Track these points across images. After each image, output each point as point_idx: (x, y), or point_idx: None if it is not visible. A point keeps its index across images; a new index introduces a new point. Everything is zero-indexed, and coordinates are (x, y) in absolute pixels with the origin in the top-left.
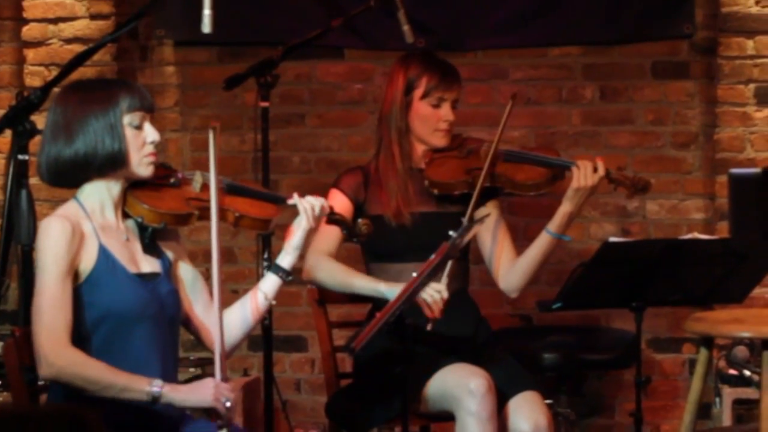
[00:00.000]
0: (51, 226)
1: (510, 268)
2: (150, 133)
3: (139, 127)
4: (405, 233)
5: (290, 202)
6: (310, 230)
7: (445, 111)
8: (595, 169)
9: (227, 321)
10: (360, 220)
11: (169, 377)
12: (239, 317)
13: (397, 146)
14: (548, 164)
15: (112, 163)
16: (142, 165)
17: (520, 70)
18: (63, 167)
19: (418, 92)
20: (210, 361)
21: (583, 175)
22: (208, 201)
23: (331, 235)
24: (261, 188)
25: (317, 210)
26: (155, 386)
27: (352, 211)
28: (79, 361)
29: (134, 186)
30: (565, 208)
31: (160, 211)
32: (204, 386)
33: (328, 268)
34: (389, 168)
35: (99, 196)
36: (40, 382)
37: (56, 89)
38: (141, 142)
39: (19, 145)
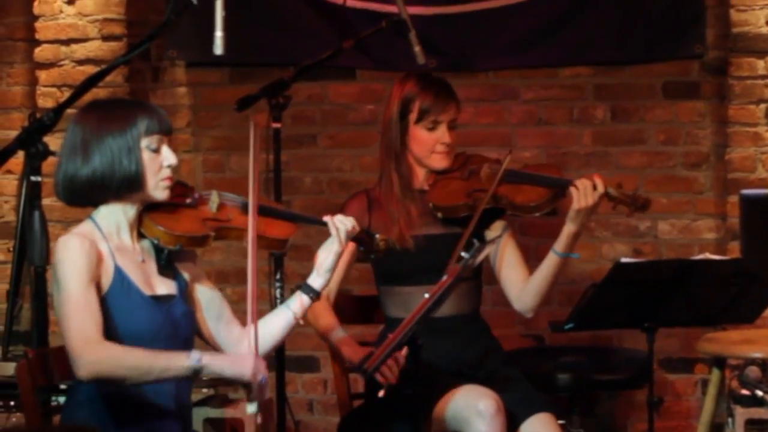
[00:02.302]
0: (70, 242)
1: (523, 288)
2: (167, 156)
3: (156, 151)
4: (410, 256)
5: (324, 220)
6: (342, 250)
7: (441, 134)
8: (594, 187)
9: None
10: (377, 236)
11: (183, 398)
12: (265, 333)
13: (395, 172)
14: (547, 184)
15: (128, 186)
16: (158, 189)
17: (531, 91)
18: (79, 186)
19: (413, 116)
20: (224, 381)
21: (583, 195)
22: (224, 221)
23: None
24: (282, 207)
25: (349, 228)
26: (194, 359)
27: None
28: (115, 352)
29: (150, 207)
30: (568, 228)
31: (176, 234)
32: (244, 359)
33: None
34: (389, 193)
35: (115, 218)
36: (53, 403)
37: (72, 110)
38: (158, 165)
39: (32, 166)
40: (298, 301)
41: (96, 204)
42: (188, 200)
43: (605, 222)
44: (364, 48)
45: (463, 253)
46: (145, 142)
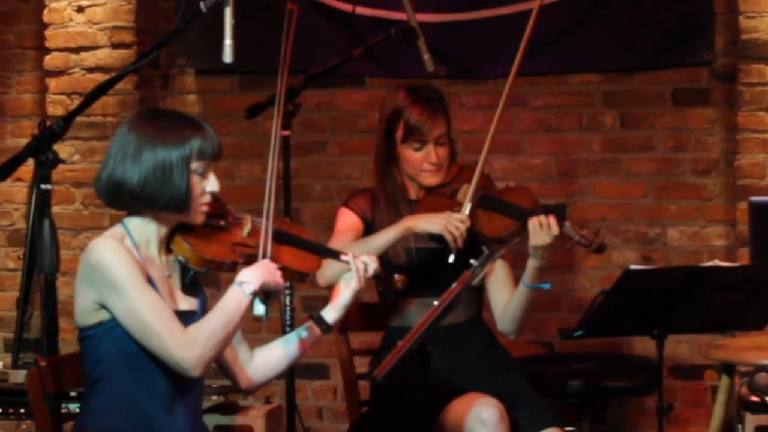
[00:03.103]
0: (109, 244)
1: (502, 312)
2: (212, 182)
3: (203, 175)
4: (404, 270)
5: (344, 258)
6: (360, 289)
7: (427, 153)
8: (549, 227)
9: (261, 359)
10: (396, 276)
11: (193, 407)
12: (273, 357)
13: (381, 188)
14: (513, 215)
15: (174, 207)
16: (196, 212)
17: (540, 98)
18: (126, 193)
19: (399, 135)
20: (234, 389)
21: (535, 233)
22: (254, 247)
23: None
24: (309, 238)
25: (371, 270)
26: (247, 290)
27: (362, 229)
28: (202, 333)
29: (183, 225)
30: (531, 263)
31: (206, 258)
32: (271, 266)
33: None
34: (377, 205)
35: (147, 230)
36: (63, 410)
37: (82, 117)
38: (201, 190)
39: (42, 174)
40: (310, 332)
41: (130, 211)
42: (222, 222)
43: (615, 229)
44: (373, 55)
45: (472, 261)
46: (194, 165)
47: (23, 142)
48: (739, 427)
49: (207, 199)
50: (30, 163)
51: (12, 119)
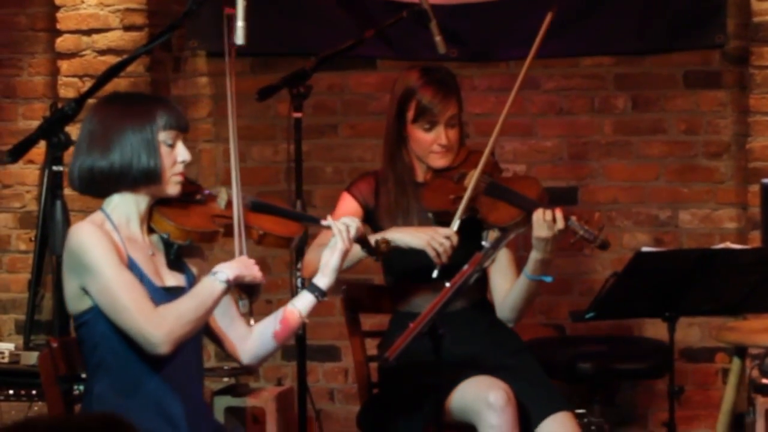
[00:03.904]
0: (85, 228)
1: (503, 300)
2: (181, 152)
3: (171, 146)
4: (407, 252)
5: (324, 223)
6: (347, 251)
7: (437, 134)
8: (554, 221)
9: (260, 332)
10: (379, 239)
11: (194, 385)
12: (270, 330)
13: (390, 168)
14: (519, 205)
15: (146, 179)
16: (170, 183)
17: (552, 80)
18: (97, 177)
19: (410, 115)
20: (242, 371)
21: (539, 225)
22: (232, 218)
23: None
24: (287, 207)
25: (352, 231)
26: (221, 279)
27: (361, 216)
28: (173, 312)
29: (161, 202)
30: (534, 255)
31: (186, 229)
32: (249, 261)
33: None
34: (385, 186)
35: (126, 209)
36: (75, 392)
37: (91, 100)
38: (172, 160)
39: (54, 156)
40: (304, 300)
41: (109, 195)
42: (198, 197)
43: (626, 211)
44: (385, 38)
45: (484, 243)
46: (162, 137)
47: (34, 124)
48: (751, 409)
49: (179, 168)
50: (41, 146)
51: (23, 101)
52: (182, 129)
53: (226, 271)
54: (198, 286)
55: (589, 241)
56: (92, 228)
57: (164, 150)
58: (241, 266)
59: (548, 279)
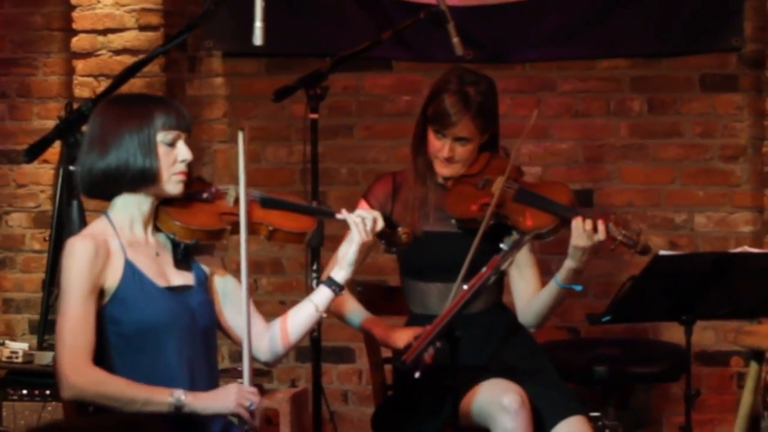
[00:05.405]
0: (74, 246)
1: (527, 304)
2: (182, 151)
3: (171, 145)
4: (424, 252)
5: (339, 216)
6: (364, 244)
7: (442, 145)
8: (595, 230)
9: (277, 328)
10: (400, 229)
11: (201, 386)
12: (289, 326)
13: (414, 163)
14: (554, 211)
15: (142, 179)
16: (171, 182)
17: (568, 83)
18: (96, 179)
19: (429, 113)
20: (259, 372)
21: (578, 234)
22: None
23: None
24: (299, 201)
25: (369, 223)
26: (177, 397)
27: None
28: (99, 379)
29: (167, 202)
30: (568, 263)
31: (192, 228)
32: (226, 392)
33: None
34: (407, 181)
35: (128, 211)
36: None
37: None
38: (172, 159)
39: (70, 156)
40: (322, 294)
41: (112, 197)
42: (205, 195)
43: (641, 214)
44: (401, 39)
45: (502, 245)
46: (161, 136)
47: (50, 123)
48: (766, 414)
49: (180, 168)
50: (55, 145)
51: (39, 101)
52: (183, 128)
53: (188, 397)
54: (155, 389)
55: (629, 247)
56: (82, 245)
57: (163, 150)
58: (214, 399)
59: (578, 288)
